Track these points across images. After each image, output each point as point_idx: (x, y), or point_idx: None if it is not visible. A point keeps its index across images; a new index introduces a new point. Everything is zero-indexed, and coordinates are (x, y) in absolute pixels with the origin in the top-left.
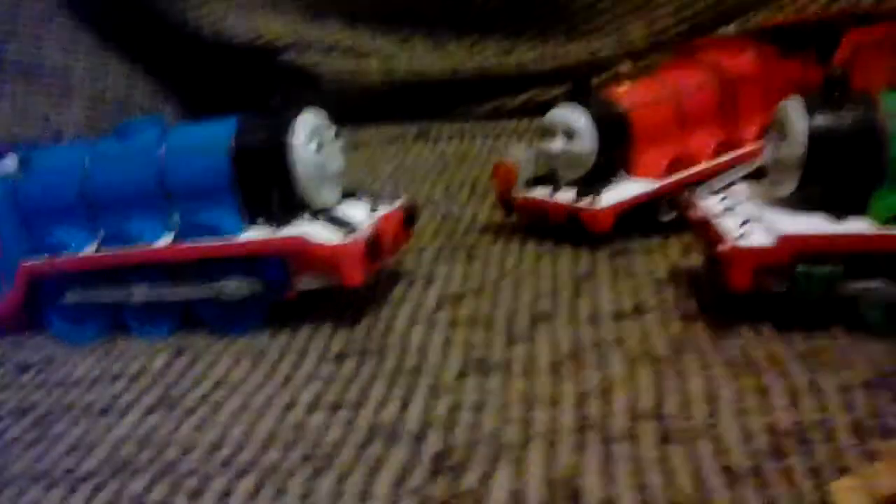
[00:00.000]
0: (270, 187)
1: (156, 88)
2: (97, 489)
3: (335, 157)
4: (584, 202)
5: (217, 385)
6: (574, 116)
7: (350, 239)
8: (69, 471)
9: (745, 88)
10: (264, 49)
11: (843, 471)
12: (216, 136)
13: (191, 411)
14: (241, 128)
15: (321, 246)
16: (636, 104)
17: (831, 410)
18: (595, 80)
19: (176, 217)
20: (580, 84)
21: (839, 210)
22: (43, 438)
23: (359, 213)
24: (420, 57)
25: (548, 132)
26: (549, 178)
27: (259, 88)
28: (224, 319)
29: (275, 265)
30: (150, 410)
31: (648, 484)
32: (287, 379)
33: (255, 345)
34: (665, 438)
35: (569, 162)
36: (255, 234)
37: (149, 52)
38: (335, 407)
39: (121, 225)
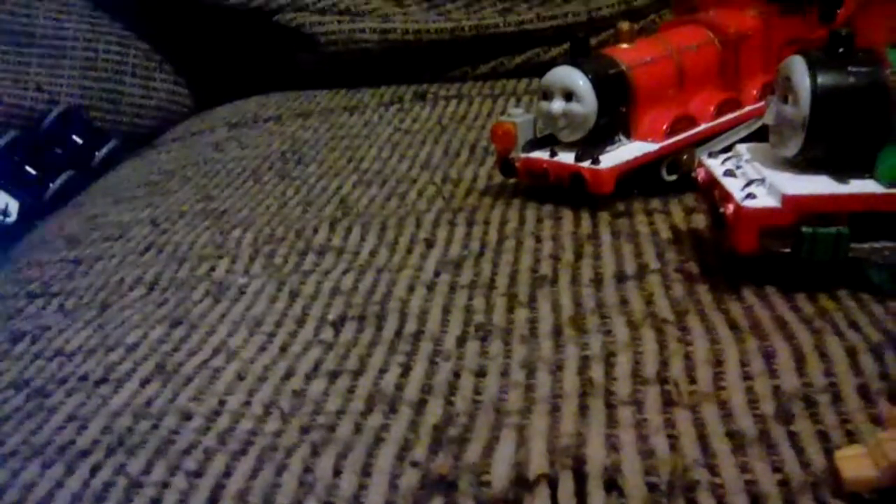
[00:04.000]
0: None
1: (149, 52)
2: (95, 469)
3: None
4: (585, 163)
5: (214, 353)
6: (573, 77)
7: None
8: (66, 446)
9: (746, 47)
10: (259, 10)
11: (850, 435)
12: None
13: (188, 380)
14: None
15: None
16: (636, 63)
17: (838, 374)
18: (594, 40)
19: None
20: (579, 44)
21: (844, 170)
22: (39, 411)
23: None
24: (416, 17)
25: (547, 93)
26: (548, 140)
27: (254, 51)
28: None
29: None
30: (146, 380)
31: (653, 449)
32: (285, 346)
33: (253, 313)
34: (669, 403)
35: (569, 123)
36: None
37: (142, 16)
38: (334, 374)
39: None
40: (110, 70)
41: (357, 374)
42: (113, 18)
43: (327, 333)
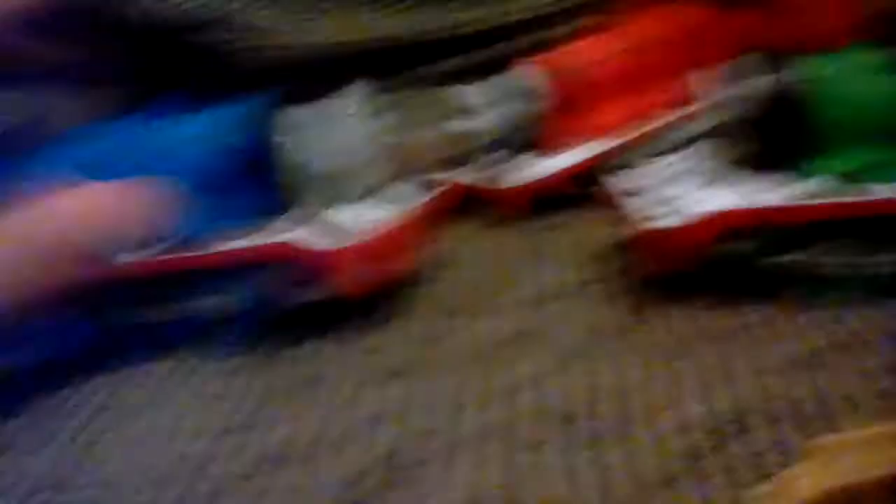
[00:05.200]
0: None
1: None
2: None
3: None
4: (486, 181)
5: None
6: (470, 92)
7: (343, 244)
8: None
9: (666, 52)
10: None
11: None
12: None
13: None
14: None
15: (307, 252)
16: (549, 75)
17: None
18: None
19: None
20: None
21: (774, 175)
22: None
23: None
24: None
25: (446, 110)
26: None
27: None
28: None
29: (259, 276)
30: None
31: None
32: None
33: (138, 367)
34: (572, 444)
35: (469, 141)
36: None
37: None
38: (225, 431)
39: None
40: None
41: (247, 428)
42: None
43: (216, 385)
